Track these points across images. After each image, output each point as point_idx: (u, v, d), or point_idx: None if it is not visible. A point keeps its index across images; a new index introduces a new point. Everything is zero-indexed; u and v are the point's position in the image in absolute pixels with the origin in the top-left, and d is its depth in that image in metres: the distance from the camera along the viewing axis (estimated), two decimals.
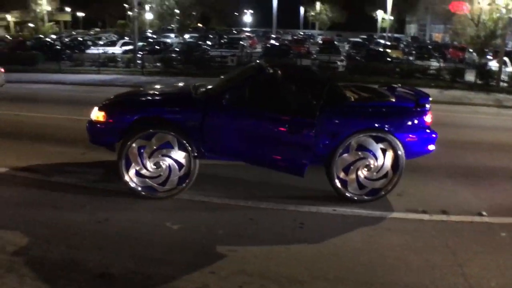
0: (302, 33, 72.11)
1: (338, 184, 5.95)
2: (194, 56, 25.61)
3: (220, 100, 5.82)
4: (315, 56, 29.68)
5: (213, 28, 63.81)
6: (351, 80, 19.40)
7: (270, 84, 5.92)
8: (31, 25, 62.93)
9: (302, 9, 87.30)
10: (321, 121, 5.69)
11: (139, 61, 24.67)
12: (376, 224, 5.41)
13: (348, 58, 29.04)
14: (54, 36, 51.65)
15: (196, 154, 5.86)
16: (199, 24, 61.41)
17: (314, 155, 5.75)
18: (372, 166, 5.92)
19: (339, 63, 26.89)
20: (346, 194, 5.97)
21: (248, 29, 72.28)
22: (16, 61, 25.10)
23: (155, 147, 5.80)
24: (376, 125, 5.96)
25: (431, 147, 6.30)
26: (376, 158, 5.92)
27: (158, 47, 30.81)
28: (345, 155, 5.92)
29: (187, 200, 5.89)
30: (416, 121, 6.14)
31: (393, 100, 6.34)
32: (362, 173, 5.96)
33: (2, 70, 15.99)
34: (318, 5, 77.89)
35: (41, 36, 52.87)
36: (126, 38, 39.47)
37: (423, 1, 66.08)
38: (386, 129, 5.92)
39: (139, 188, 5.92)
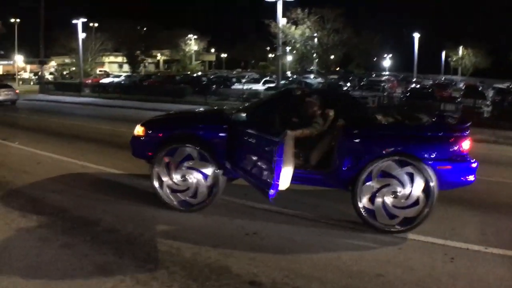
0: (443, 78, 69.17)
1: (363, 211, 5.64)
2: None
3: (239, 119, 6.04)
4: (459, 100, 28.24)
5: (352, 71, 64.06)
6: (497, 127, 18.10)
7: (280, 106, 6.34)
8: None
9: (443, 54, 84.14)
10: (342, 144, 5.79)
11: None
12: None
13: (493, 104, 27.12)
14: (200, 73, 55.77)
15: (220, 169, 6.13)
16: (337, 68, 62.14)
17: (337, 179, 5.81)
18: (399, 193, 5.55)
19: (484, 108, 25.23)
20: (375, 223, 5.62)
21: (386, 73, 71.30)
22: (166, 94, 27.48)
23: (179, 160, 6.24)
24: (400, 149, 5.65)
25: (471, 177, 5.72)
26: (403, 185, 5.53)
27: (299, 86, 31.68)
28: (369, 182, 5.64)
29: (333, 224, 5.91)
30: (450, 148, 5.66)
31: (425, 124, 6.12)
32: (389, 200, 5.59)
33: (17, 91, 22.90)
34: (461, 50, 74.55)
35: (188, 73, 57.45)
36: (268, 77, 41.25)
37: None
38: (412, 153, 5.57)
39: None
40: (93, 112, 23.49)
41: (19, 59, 63.85)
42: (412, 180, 5.52)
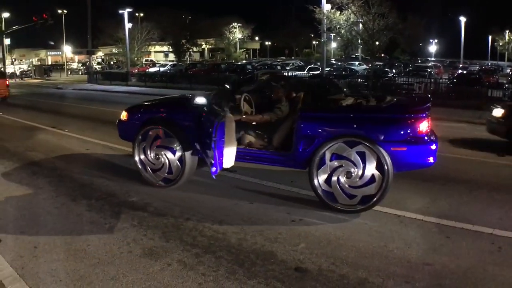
0: (489, 64, 66.58)
1: (323, 194, 5.81)
2: (381, 82, 25.35)
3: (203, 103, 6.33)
4: (506, 86, 27.11)
5: (397, 57, 62.64)
6: None
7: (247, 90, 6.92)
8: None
9: (490, 39, 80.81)
10: (298, 126, 5.93)
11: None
12: None
13: None
14: (244, 61, 55.79)
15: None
16: (382, 55, 60.76)
17: (295, 160, 6.03)
18: (353, 173, 5.62)
19: None
20: (336, 205, 5.75)
21: (433, 59, 69.34)
22: (211, 82, 27.60)
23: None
24: (352, 130, 5.72)
25: (430, 159, 5.67)
26: (355, 164, 5.60)
27: (344, 73, 31.27)
28: (324, 163, 5.78)
29: (380, 212, 5.79)
30: (405, 130, 5.60)
31: (380, 106, 6.24)
32: (345, 180, 5.69)
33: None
34: (507, 35, 71.37)
35: (232, 61, 57.55)
36: (313, 65, 40.83)
37: None
38: (364, 135, 5.61)
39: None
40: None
41: (67, 49, 65.74)
42: (364, 160, 5.59)
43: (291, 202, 6.12)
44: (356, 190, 5.68)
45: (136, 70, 43.21)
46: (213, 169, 5.73)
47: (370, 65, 33.74)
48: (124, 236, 5.00)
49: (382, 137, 5.57)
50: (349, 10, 27.00)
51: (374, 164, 5.56)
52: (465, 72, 35.92)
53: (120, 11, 42.67)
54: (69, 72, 57.55)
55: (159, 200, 6.22)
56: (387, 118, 5.80)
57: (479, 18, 71.86)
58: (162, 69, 46.27)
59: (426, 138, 5.69)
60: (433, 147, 5.73)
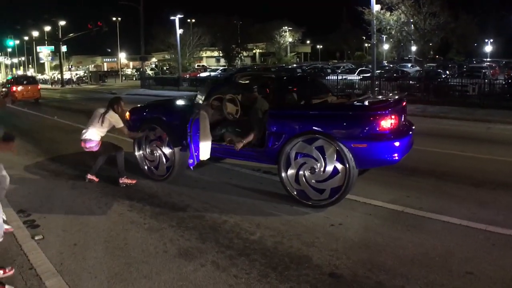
0: None
1: (295, 193, 6.06)
2: (434, 84, 24.59)
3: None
4: None
5: (451, 58, 60.70)
6: None
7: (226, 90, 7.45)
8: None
9: None
10: (268, 124, 6.21)
11: (376, 88, 24.75)
12: None
13: None
14: (295, 65, 55.62)
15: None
16: (436, 56, 59.04)
17: (267, 156, 6.31)
18: (316, 168, 5.82)
19: None
20: (309, 202, 5.95)
21: (488, 59, 66.67)
22: None
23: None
24: (314, 127, 5.87)
25: (394, 156, 5.63)
26: (317, 160, 5.80)
27: (395, 75, 30.56)
28: (290, 159, 6.02)
29: (425, 218, 5.57)
30: (365, 127, 5.64)
31: (343, 104, 6.43)
32: (311, 176, 5.89)
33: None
34: None
35: (283, 65, 57.51)
36: (363, 67, 40.17)
37: None
38: (325, 132, 5.75)
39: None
40: None
41: (122, 56, 67.80)
42: (323, 154, 5.77)
43: (331, 207, 5.98)
44: (323, 184, 5.85)
45: (188, 75, 43.95)
46: (190, 161, 6.52)
47: (422, 67, 32.81)
48: (162, 236, 5.06)
49: (341, 134, 5.70)
50: (399, 10, 26.40)
51: (334, 156, 5.73)
52: None
53: (172, 17, 43.53)
54: (124, 78, 59.31)
55: (199, 201, 6.28)
56: (346, 115, 5.93)
57: None
58: (212, 74, 46.85)
59: (389, 135, 5.64)
60: (397, 144, 5.66)
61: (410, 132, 6.35)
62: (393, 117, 5.74)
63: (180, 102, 8.12)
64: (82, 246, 4.81)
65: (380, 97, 7.32)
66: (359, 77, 30.56)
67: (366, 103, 6.46)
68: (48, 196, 6.71)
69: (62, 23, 53.58)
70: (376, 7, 26.62)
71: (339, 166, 5.71)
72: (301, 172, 5.99)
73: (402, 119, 6.31)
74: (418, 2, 25.64)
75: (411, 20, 26.60)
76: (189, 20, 59.00)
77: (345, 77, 30.57)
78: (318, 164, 5.82)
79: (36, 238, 5.00)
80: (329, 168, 5.77)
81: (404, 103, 6.62)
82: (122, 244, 4.86)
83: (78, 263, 4.42)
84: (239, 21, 66.14)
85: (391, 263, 4.36)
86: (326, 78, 32.31)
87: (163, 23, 53.01)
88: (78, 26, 49.68)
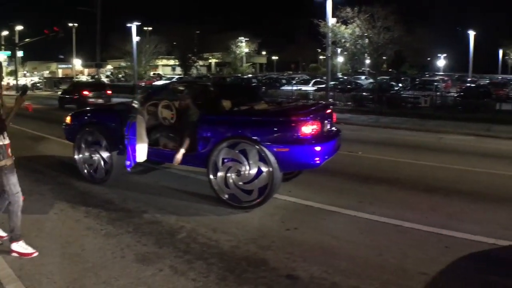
0: (500, 77, 66.41)
1: (227, 198, 6.27)
2: (386, 96, 25.34)
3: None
4: None
5: (405, 71, 62.61)
6: None
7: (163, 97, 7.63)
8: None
9: (500, 52, 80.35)
10: (198, 128, 6.51)
11: (330, 99, 25.27)
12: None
13: None
14: (250, 75, 56.00)
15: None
16: (389, 69, 60.78)
17: (198, 159, 6.54)
18: (242, 171, 6.11)
19: None
20: (241, 205, 6.17)
21: (441, 73, 69.16)
22: None
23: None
24: (238, 132, 6.22)
25: (315, 160, 6.01)
26: (241, 162, 6.09)
27: (349, 86, 31.27)
28: (219, 163, 6.29)
29: (378, 222, 5.75)
30: (287, 132, 6.02)
31: (266, 110, 6.78)
32: (237, 179, 6.17)
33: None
34: None
35: (239, 75, 57.80)
36: (319, 79, 40.91)
37: None
38: (249, 136, 6.08)
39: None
40: None
41: (77, 62, 66.37)
42: (246, 156, 6.06)
43: (287, 212, 6.12)
44: (251, 185, 6.10)
45: (143, 83, 43.51)
46: (127, 162, 6.73)
47: (375, 80, 33.74)
48: (119, 242, 5.01)
49: (265, 138, 6.00)
50: (355, 24, 27.13)
51: (257, 157, 6.01)
52: (473, 85, 35.75)
53: (128, 25, 43.09)
54: None
55: (155, 208, 6.25)
56: (269, 121, 6.27)
57: (489, 31, 71.55)
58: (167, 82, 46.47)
59: (310, 140, 6.00)
60: (318, 148, 6.00)
61: (335, 138, 6.78)
62: (314, 123, 6.12)
63: (118, 108, 8.29)
64: (41, 251, 4.69)
65: (309, 104, 7.66)
66: (313, 88, 31.13)
67: (290, 110, 6.86)
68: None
69: (19, 28, 52.08)
70: (331, 20, 27.28)
71: (264, 168, 6.01)
72: (228, 175, 6.23)
73: (326, 126, 6.68)
74: (372, 17, 26.44)
75: (366, 34, 27.39)
76: (146, 28, 58.58)
77: (299, 87, 31.04)
78: (243, 167, 6.10)
79: None
80: (254, 168, 6.06)
81: (329, 111, 7.10)
82: (79, 250, 4.79)
83: (37, 268, 4.33)
84: (196, 30, 66.09)
85: (346, 264, 4.47)
86: (281, 88, 32.70)
87: (120, 31, 52.43)
88: (35, 31, 48.30)
